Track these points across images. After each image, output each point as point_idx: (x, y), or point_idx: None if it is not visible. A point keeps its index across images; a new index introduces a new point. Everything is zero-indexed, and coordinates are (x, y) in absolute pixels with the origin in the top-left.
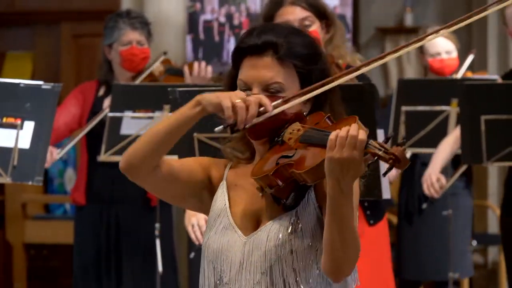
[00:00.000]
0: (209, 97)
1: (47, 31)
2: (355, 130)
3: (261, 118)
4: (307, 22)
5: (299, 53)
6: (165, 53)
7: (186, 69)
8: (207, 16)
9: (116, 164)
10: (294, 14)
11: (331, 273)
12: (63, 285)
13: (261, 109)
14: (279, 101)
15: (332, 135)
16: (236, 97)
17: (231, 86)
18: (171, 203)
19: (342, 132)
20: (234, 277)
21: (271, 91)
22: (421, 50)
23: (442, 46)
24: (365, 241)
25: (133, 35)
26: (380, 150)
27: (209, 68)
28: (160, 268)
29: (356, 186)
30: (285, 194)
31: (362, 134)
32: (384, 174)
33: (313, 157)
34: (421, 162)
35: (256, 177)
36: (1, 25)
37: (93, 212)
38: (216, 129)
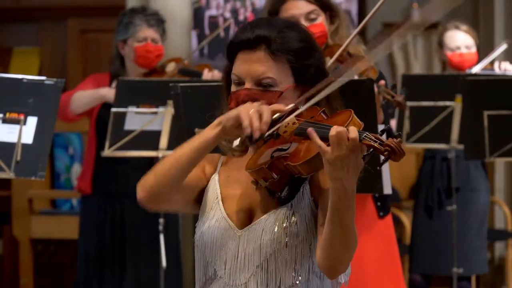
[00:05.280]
0: (228, 113)
1: (53, 27)
2: (342, 127)
3: (277, 125)
4: (312, 16)
5: (292, 48)
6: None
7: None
8: (213, 11)
9: (121, 159)
10: (299, 9)
11: (328, 270)
12: (70, 280)
13: (275, 116)
14: (290, 106)
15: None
16: (252, 107)
17: (227, 80)
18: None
19: (332, 131)
20: (229, 270)
21: (263, 85)
22: (440, 45)
23: (462, 40)
24: (376, 233)
25: (148, 32)
26: (375, 142)
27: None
28: (164, 263)
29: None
30: (279, 187)
31: (353, 130)
32: (380, 166)
33: (308, 149)
34: (441, 157)
35: (251, 170)
36: (7, 21)
37: (98, 204)
38: (234, 142)
